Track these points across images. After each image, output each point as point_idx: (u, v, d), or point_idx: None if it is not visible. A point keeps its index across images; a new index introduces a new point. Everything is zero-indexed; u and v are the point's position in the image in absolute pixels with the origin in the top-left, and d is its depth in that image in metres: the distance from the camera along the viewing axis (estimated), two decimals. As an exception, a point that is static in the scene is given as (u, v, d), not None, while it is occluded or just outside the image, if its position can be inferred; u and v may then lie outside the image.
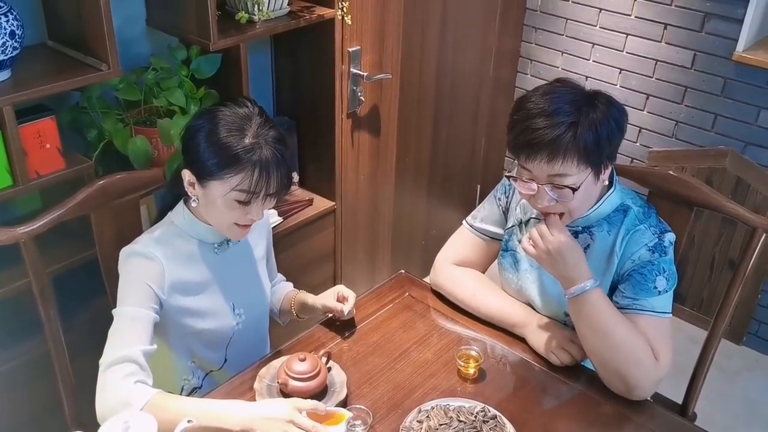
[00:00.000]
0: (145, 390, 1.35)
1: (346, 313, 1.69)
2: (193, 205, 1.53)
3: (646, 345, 1.53)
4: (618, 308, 1.57)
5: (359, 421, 1.43)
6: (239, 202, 1.46)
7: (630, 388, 1.53)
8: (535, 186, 1.51)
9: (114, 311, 1.47)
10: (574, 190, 1.49)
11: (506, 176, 1.75)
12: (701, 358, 1.84)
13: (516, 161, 1.56)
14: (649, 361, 1.52)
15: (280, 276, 1.94)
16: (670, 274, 1.57)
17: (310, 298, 1.77)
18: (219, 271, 1.62)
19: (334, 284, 2.76)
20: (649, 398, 1.61)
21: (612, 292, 1.64)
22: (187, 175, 1.50)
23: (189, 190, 1.52)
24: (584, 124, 1.45)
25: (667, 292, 1.56)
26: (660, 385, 1.57)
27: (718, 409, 2.70)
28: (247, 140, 1.43)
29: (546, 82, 1.61)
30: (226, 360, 1.69)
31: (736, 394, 2.86)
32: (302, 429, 1.30)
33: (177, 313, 1.56)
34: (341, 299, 1.72)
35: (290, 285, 1.92)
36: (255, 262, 1.73)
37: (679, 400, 1.88)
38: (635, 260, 1.57)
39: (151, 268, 1.50)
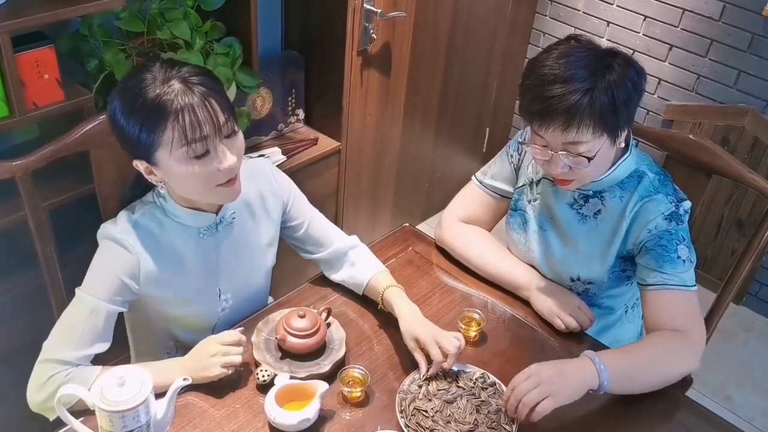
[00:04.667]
0: (88, 373, 1.36)
1: (422, 377, 1.42)
2: (162, 192, 1.42)
3: (673, 341, 1.49)
4: (646, 285, 1.54)
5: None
6: (196, 157, 1.31)
7: (685, 375, 1.54)
8: (549, 152, 1.45)
9: (77, 290, 1.41)
10: (589, 159, 1.43)
11: (519, 143, 1.68)
12: (705, 325, 1.82)
13: (529, 126, 1.49)
14: (687, 351, 1.50)
15: (347, 241, 1.67)
16: (689, 243, 1.54)
17: (402, 315, 1.51)
18: (203, 256, 1.50)
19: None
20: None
21: (623, 261, 1.60)
22: (140, 166, 1.37)
23: (152, 179, 1.39)
24: (600, 88, 1.38)
25: (691, 262, 1.53)
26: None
27: (712, 369, 2.71)
28: (159, 89, 1.28)
29: (561, 37, 1.51)
30: None
31: (731, 355, 2.87)
32: (226, 344, 1.39)
33: (154, 302, 1.49)
34: (443, 353, 1.43)
35: (372, 262, 1.64)
36: (251, 246, 1.58)
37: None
38: (651, 230, 1.52)
39: (126, 260, 1.41)
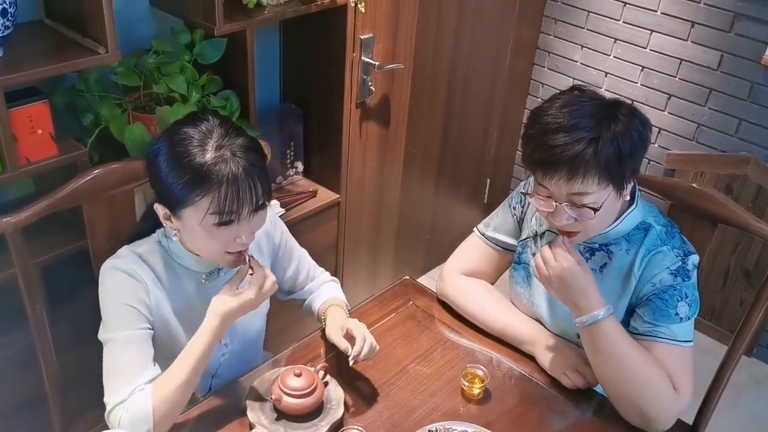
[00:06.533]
0: (143, 396, 1.31)
1: (350, 358, 1.46)
2: (174, 239, 1.41)
3: (665, 376, 1.44)
4: (636, 335, 1.48)
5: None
6: (219, 225, 1.31)
7: (648, 421, 1.45)
8: (553, 204, 1.42)
9: (102, 338, 1.38)
10: (595, 210, 1.39)
11: (522, 193, 1.66)
12: (717, 378, 1.75)
13: (532, 176, 1.46)
14: (668, 394, 1.44)
15: (322, 276, 1.75)
16: (693, 300, 1.48)
17: (328, 323, 1.60)
18: (205, 301, 1.46)
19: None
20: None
21: (629, 315, 1.55)
22: (160, 210, 1.36)
23: (167, 224, 1.38)
24: (605, 138, 1.35)
25: (689, 319, 1.48)
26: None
27: (725, 424, 2.62)
28: (209, 155, 1.28)
29: (559, 88, 1.50)
30: (210, 389, 1.59)
31: (744, 409, 2.79)
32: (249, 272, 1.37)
33: (159, 344, 1.45)
34: (347, 337, 1.52)
35: (332, 291, 1.71)
36: None
37: (690, 417, 1.80)
38: (656, 284, 1.48)
39: (135, 288, 1.39)
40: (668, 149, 2.99)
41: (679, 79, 2.87)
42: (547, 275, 1.45)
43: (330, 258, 2.63)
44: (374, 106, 2.47)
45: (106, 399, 1.34)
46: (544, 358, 1.60)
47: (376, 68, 2.35)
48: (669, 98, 2.92)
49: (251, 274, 1.39)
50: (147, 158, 1.37)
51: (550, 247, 1.46)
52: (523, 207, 1.69)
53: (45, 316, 1.59)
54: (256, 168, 1.32)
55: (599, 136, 1.34)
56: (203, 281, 1.48)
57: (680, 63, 2.84)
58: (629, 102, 1.45)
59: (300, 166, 2.54)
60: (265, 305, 1.64)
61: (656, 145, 3.02)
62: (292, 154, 2.49)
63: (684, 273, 1.48)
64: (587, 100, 1.41)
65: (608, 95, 1.46)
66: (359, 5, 2.12)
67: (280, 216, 2.32)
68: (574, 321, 1.47)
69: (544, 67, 3.27)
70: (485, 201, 3.44)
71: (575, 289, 1.43)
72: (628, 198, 1.49)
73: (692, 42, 2.78)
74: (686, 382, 1.46)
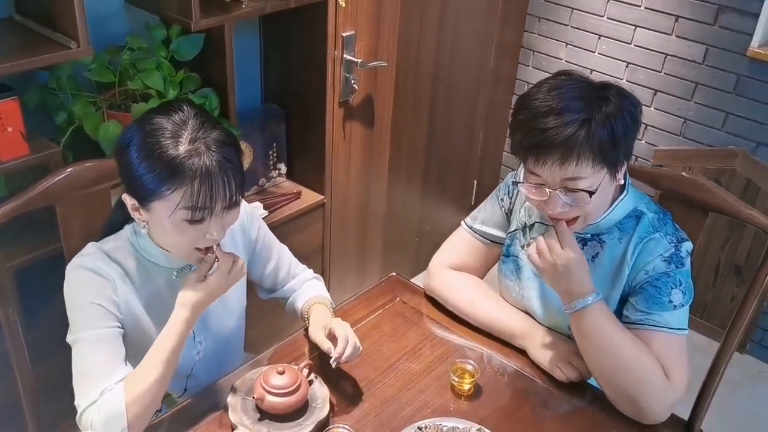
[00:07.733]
0: (115, 395, 1.26)
1: (332, 359, 1.41)
2: (143, 231, 1.36)
3: (657, 364, 1.40)
4: (629, 323, 1.44)
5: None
6: (190, 221, 1.26)
7: (640, 412, 1.41)
8: (546, 191, 1.37)
9: (70, 340, 1.32)
10: (591, 193, 1.35)
11: (513, 182, 1.61)
12: (710, 374, 1.71)
13: (522, 165, 1.42)
14: (660, 383, 1.39)
15: (305, 274, 1.69)
16: (687, 287, 1.44)
17: (311, 323, 1.56)
18: (175, 297, 1.41)
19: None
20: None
21: (622, 304, 1.51)
22: (128, 200, 1.32)
23: (135, 216, 1.34)
24: (598, 119, 1.31)
25: (683, 306, 1.44)
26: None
27: (720, 422, 2.57)
28: (183, 147, 1.23)
29: (549, 75, 1.46)
30: (186, 389, 1.54)
31: (739, 407, 2.75)
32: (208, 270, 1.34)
33: (129, 342, 1.39)
34: (330, 337, 1.47)
35: (315, 289, 1.66)
36: None
37: (685, 413, 1.76)
38: (649, 271, 1.44)
39: (103, 287, 1.34)
40: (655, 145, 2.97)
41: (665, 74, 2.85)
42: (551, 262, 1.40)
43: (316, 261, 2.58)
44: (357, 105, 2.43)
45: (76, 402, 1.28)
46: (537, 351, 1.55)
47: (358, 66, 2.31)
48: (655, 94, 2.91)
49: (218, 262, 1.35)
50: (117, 147, 1.31)
51: (556, 233, 1.41)
52: (511, 198, 1.65)
53: (18, 321, 1.53)
54: (231, 163, 1.27)
55: (591, 117, 1.31)
56: (174, 277, 1.43)
57: (665, 58, 2.82)
58: (618, 85, 1.41)
59: (283, 167, 2.50)
60: (241, 302, 1.59)
61: (643, 142, 3.00)
62: (274, 155, 2.44)
63: (678, 260, 1.44)
64: (575, 83, 1.37)
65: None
66: (340, 0, 2.09)
67: (264, 218, 2.27)
68: (564, 308, 1.43)
69: (529, 65, 3.25)
70: (472, 203, 3.41)
71: (573, 279, 1.40)
72: (621, 182, 1.46)
73: (677, 36, 2.76)
74: (680, 371, 1.42)
